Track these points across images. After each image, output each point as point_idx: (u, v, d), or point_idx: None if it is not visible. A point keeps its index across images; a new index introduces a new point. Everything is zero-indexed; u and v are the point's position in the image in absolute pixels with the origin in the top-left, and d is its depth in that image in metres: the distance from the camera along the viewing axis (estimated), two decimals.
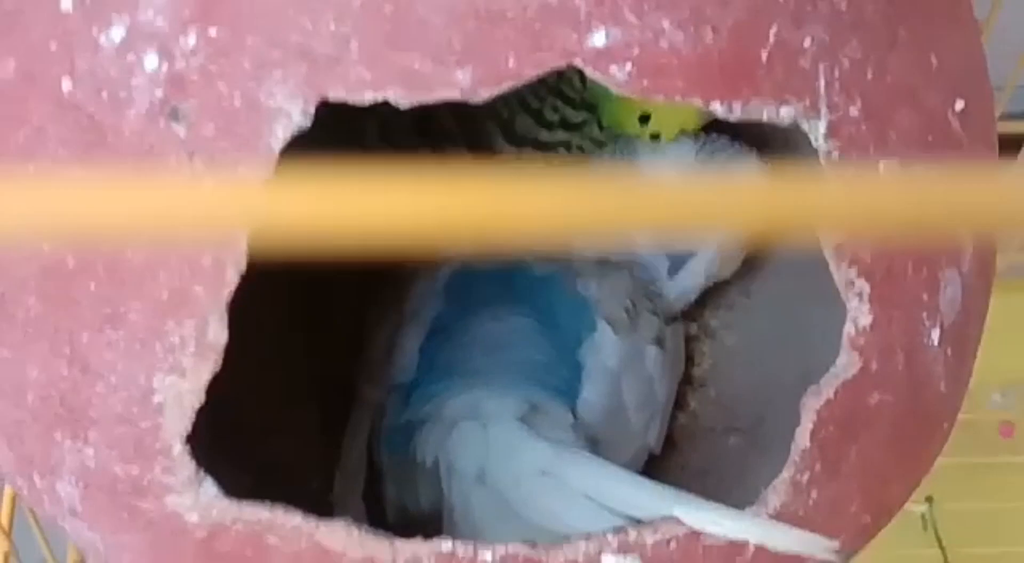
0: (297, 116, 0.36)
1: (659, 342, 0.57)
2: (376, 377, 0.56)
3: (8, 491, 0.61)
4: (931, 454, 0.47)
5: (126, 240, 0.37)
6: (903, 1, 0.41)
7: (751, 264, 0.62)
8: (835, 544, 0.40)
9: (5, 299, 0.39)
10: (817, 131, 0.39)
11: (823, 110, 0.39)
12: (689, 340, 0.63)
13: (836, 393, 0.40)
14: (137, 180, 0.18)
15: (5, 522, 0.63)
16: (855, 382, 0.41)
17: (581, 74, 0.54)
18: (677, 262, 0.60)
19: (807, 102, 0.38)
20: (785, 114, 0.38)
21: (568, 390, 0.53)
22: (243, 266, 0.37)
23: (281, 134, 0.36)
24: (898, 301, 0.41)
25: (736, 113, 0.37)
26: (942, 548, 0.83)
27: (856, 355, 0.40)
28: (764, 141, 0.59)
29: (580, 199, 0.20)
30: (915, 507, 0.83)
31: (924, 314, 0.42)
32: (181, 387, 0.38)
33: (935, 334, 0.42)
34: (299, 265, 0.60)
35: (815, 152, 0.39)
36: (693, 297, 0.61)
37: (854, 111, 0.39)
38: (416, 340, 0.55)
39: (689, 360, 0.62)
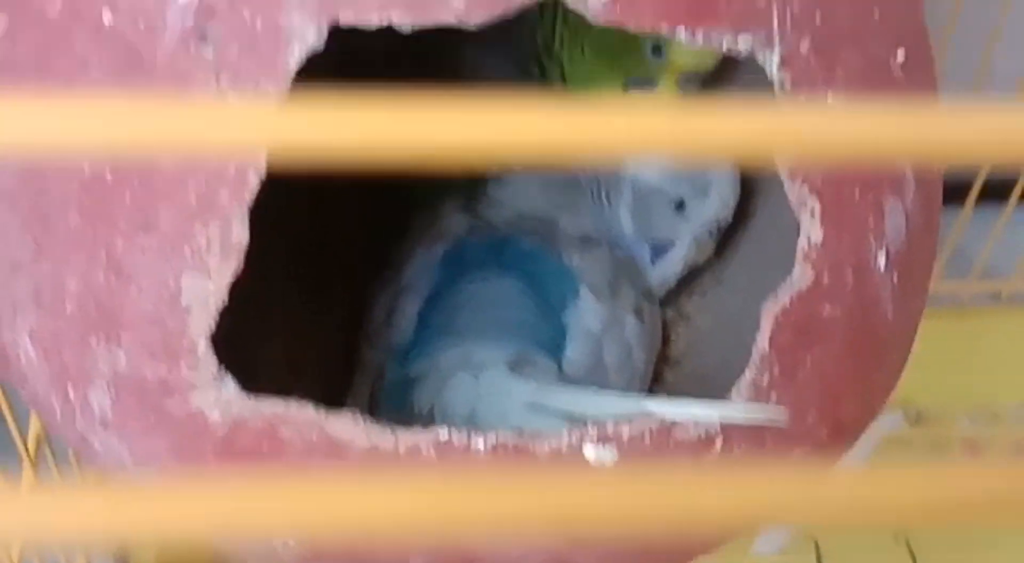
0: (311, 37, 0.41)
1: (638, 313, 0.62)
2: (376, 342, 0.60)
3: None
4: (883, 383, 0.51)
5: (155, 155, 0.41)
6: None
7: (721, 253, 0.67)
8: (785, 411, 0.44)
9: (48, 216, 0.44)
10: (771, 62, 0.44)
11: (776, 43, 0.44)
12: (666, 324, 0.67)
13: (791, 301, 0.45)
14: (166, 100, 0.21)
15: None
16: (808, 293, 0.45)
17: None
18: (658, 250, 0.65)
19: (762, 35, 0.43)
20: (743, 44, 0.43)
21: (553, 348, 0.58)
22: (263, 172, 0.41)
23: (297, 54, 0.41)
24: (846, 222, 0.46)
25: (699, 40, 0.42)
26: (913, 557, 0.86)
27: (809, 267, 0.45)
28: None
29: (569, 122, 0.23)
30: None
31: (871, 237, 0.47)
32: (207, 287, 0.43)
33: (881, 258, 0.47)
34: (301, 237, 0.64)
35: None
36: (673, 282, 0.66)
37: (804, 46, 0.44)
38: (414, 306, 0.60)
39: (666, 342, 0.67)
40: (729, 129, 0.23)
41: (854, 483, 0.22)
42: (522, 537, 0.46)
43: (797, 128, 0.23)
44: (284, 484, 0.21)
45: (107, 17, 0.42)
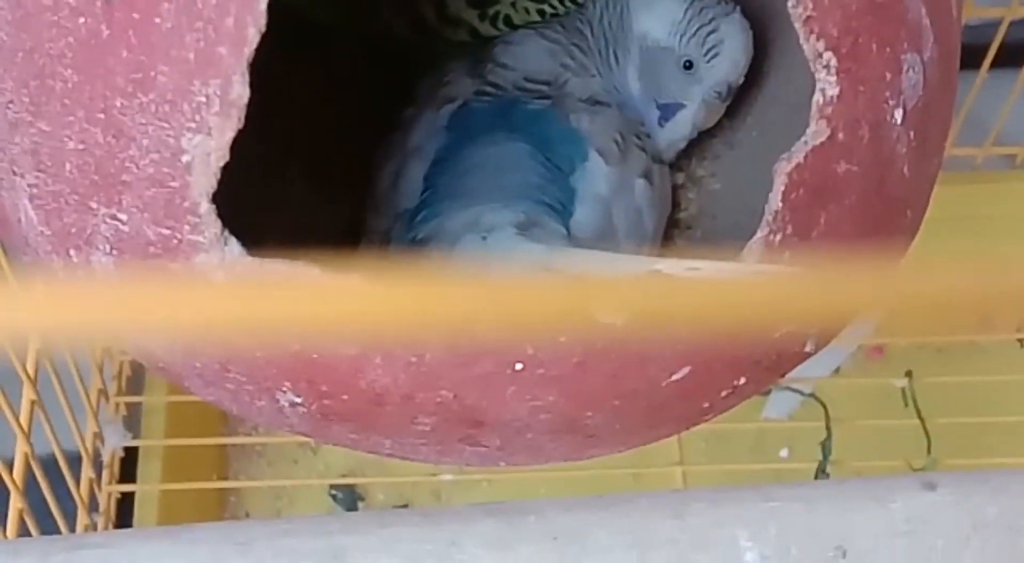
0: None
1: (647, 176, 0.61)
2: (382, 208, 0.60)
3: None
4: (899, 241, 0.50)
5: None
6: None
7: (732, 117, 0.66)
8: (798, 270, 0.44)
9: (44, 73, 0.43)
10: None
11: None
12: (676, 189, 0.66)
13: (806, 158, 0.44)
14: None
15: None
16: (823, 149, 0.44)
17: None
18: (667, 111, 0.63)
19: None
20: None
21: (562, 210, 0.57)
22: (263, 25, 0.40)
23: None
24: (863, 76, 0.45)
25: None
26: (922, 420, 0.86)
27: (824, 123, 0.44)
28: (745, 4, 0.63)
29: None
30: (895, 382, 0.87)
31: (887, 93, 0.45)
32: (208, 145, 0.42)
33: (898, 114, 0.46)
34: (305, 105, 0.63)
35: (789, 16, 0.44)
36: (682, 145, 0.65)
37: None
38: (420, 171, 0.59)
39: (677, 206, 0.66)
40: None
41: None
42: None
43: None
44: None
45: None
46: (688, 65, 0.61)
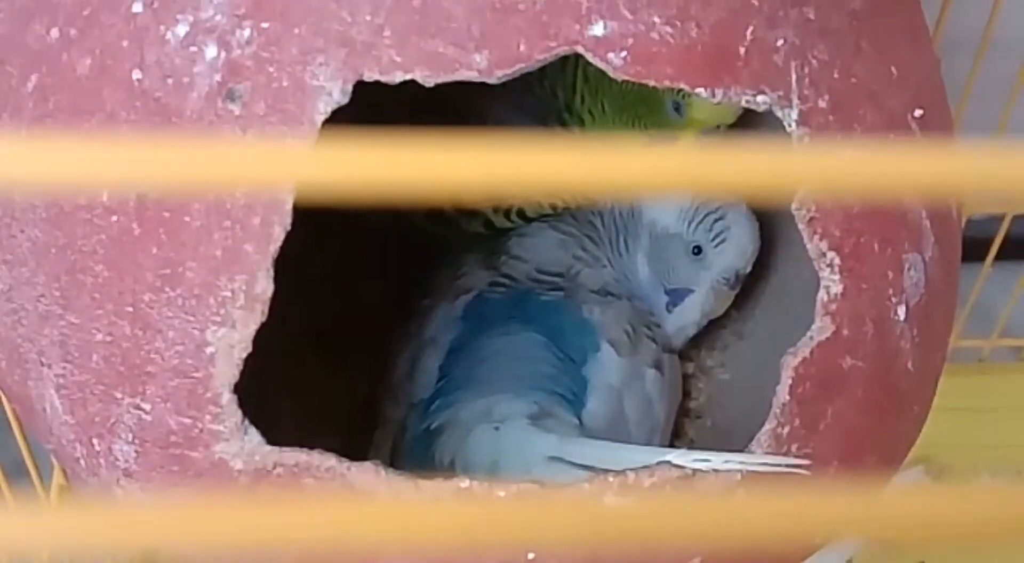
0: (337, 94, 0.42)
1: (657, 366, 0.62)
2: (398, 397, 0.61)
3: None
4: (904, 435, 0.51)
5: (184, 196, 0.42)
6: (866, 16, 0.47)
7: (741, 308, 0.67)
8: (806, 462, 0.45)
9: (75, 268, 0.45)
10: (790, 118, 0.44)
11: (795, 100, 0.44)
12: (686, 378, 0.68)
13: (812, 353, 0.45)
14: (196, 143, 0.22)
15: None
16: (828, 344, 0.46)
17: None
18: (676, 297, 0.65)
19: (780, 93, 0.44)
20: (761, 101, 0.44)
21: (574, 400, 0.58)
22: (288, 224, 0.42)
23: (323, 109, 0.42)
24: (866, 274, 0.46)
25: (718, 97, 0.43)
26: None
27: (829, 320, 0.45)
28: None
29: (588, 160, 0.24)
30: None
31: (890, 290, 0.47)
32: (232, 338, 0.43)
33: (901, 311, 0.47)
34: (323, 293, 0.65)
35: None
36: (691, 333, 0.66)
37: (822, 104, 0.45)
38: (436, 360, 0.60)
39: (687, 395, 0.67)
40: (745, 169, 0.23)
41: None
42: None
43: (813, 167, 0.23)
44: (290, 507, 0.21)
45: (136, 75, 0.43)
46: (696, 251, 0.63)
